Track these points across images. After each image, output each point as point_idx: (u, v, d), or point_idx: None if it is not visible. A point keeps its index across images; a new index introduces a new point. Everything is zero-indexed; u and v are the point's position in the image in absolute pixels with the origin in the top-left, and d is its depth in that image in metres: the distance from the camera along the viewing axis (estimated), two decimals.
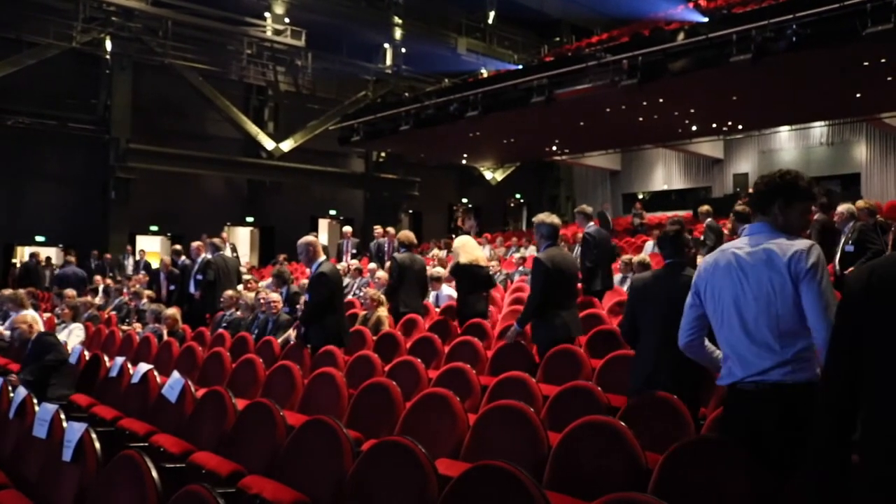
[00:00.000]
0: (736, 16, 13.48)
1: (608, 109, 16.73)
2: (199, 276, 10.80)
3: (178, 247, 12.07)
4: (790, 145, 21.86)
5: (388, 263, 10.15)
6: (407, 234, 8.80)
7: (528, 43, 27.17)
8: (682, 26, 14.85)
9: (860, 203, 8.69)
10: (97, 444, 3.19)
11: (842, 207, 8.35)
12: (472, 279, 7.42)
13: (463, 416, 4.09)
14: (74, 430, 3.24)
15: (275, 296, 8.13)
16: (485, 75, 22.49)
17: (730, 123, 19.21)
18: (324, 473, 3.34)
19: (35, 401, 4.05)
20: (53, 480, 3.33)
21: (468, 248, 7.49)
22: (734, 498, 2.88)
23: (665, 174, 25.02)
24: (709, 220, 10.42)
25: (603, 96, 15.35)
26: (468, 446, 3.92)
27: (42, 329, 8.87)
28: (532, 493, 2.56)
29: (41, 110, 19.77)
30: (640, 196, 25.64)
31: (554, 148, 22.75)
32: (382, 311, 8.05)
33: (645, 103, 16.12)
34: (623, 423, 3.41)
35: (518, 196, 28.87)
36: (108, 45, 20.45)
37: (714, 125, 19.35)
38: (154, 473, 2.70)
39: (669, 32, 14.63)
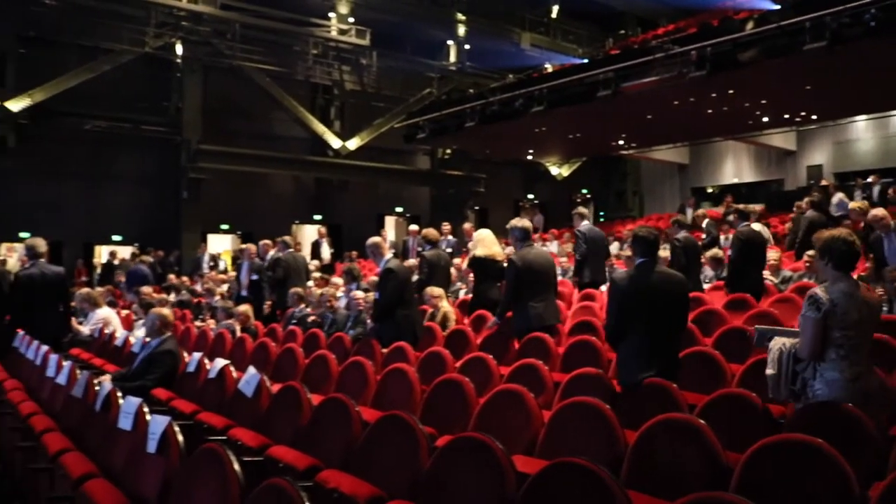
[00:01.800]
0: (809, 2, 13.08)
1: (676, 102, 16.44)
2: (254, 277, 11.00)
3: (244, 246, 12.21)
4: (867, 135, 21.12)
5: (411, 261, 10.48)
6: (432, 232, 9.46)
7: (593, 36, 26.88)
8: (751, 15, 14.49)
9: None
10: (180, 437, 3.26)
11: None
12: (486, 271, 7.86)
13: (537, 413, 4.06)
14: (158, 423, 3.32)
15: (359, 293, 8.19)
16: (549, 70, 22.33)
17: (803, 114, 18.66)
18: (400, 469, 3.36)
19: (119, 394, 4.17)
20: (138, 471, 3.42)
21: (486, 243, 7.91)
22: (822, 501, 2.80)
23: (735, 167, 24.46)
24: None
25: (670, 89, 15.09)
26: (543, 443, 3.89)
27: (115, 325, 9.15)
28: (613, 492, 2.52)
29: (116, 114, 20.36)
30: (710, 190, 25.15)
31: (620, 142, 22.46)
32: (447, 307, 8.08)
33: (714, 95, 15.78)
34: (702, 421, 3.35)
35: (584, 191, 28.60)
36: (179, 49, 20.94)
37: (786, 116, 18.82)
38: (236, 466, 2.74)
39: (739, 22, 14.29)
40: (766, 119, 18.76)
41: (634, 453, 3.45)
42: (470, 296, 8.72)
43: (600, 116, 17.97)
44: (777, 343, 3.95)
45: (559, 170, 27.56)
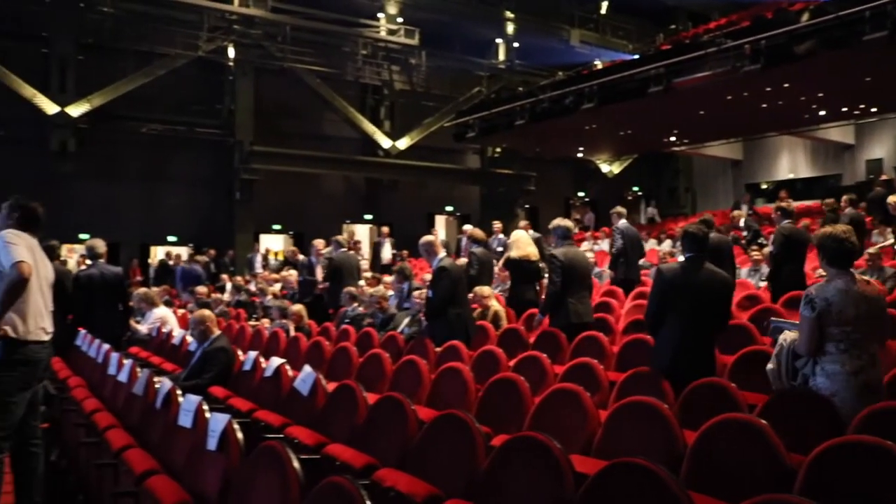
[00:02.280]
0: None
1: (729, 97, 16.18)
2: (302, 279, 11.09)
3: (294, 248, 12.31)
4: None
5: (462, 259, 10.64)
6: (478, 231, 9.72)
7: (643, 32, 26.58)
8: (807, 6, 14.19)
9: None
10: (239, 435, 3.29)
11: None
12: (522, 272, 8.08)
13: (594, 412, 4.03)
14: (218, 421, 3.36)
15: (419, 291, 8.22)
16: (599, 67, 22.16)
17: (862, 107, 18.23)
18: (456, 468, 3.35)
19: (179, 392, 4.24)
20: (199, 468, 3.47)
21: (520, 244, 8.17)
22: None
23: (790, 162, 23.98)
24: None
25: (724, 84, 14.86)
26: (600, 443, 3.86)
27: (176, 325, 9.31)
28: (675, 492, 2.49)
29: (171, 117, 20.76)
30: (764, 186, 24.71)
31: (672, 138, 22.18)
32: (496, 305, 8.08)
33: (769, 89, 15.48)
34: (764, 421, 3.28)
35: (636, 189, 28.31)
36: (231, 52, 21.27)
37: (844, 109, 18.40)
38: (296, 464, 2.76)
39: (794, 13, 14.01)
40: (822, 112, 18.35)
41: (694, 453, 3.40)
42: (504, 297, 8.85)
43: (652, 113, 17.77)
44: (783, 338, 4.10)
45: (610, 167, 27.33)
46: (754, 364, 4.93)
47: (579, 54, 25.50)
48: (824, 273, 4.18)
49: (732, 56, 13.99)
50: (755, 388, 4.50)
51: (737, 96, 15.99)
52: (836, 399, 3.74)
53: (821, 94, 16.33)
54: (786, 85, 15.13)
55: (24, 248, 4.38)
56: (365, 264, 15.00)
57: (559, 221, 7.29)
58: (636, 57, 19.87)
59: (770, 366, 4.11)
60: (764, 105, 16.86)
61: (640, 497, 2.59)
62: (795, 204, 14.31)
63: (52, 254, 8.23)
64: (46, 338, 4.61)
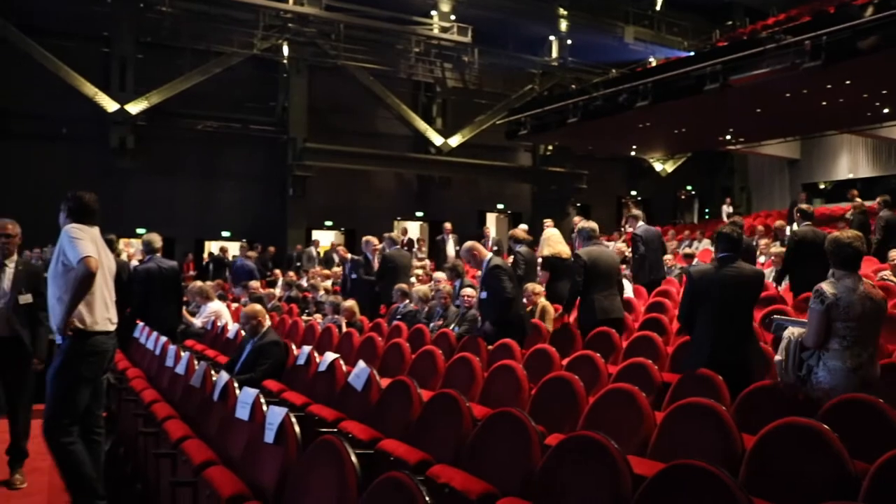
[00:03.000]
0: None
1: (788, 94, 15.84)
2: (354, 276, 11.12)
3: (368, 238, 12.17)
4: None
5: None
6: (519, 231, 9.85)
7: (699, 28, 26.17)
8: (870, 0, 13.81)
9: None
10: (297, 428, 3.32)
11: None
12: (554, 269, 8.31)
13: (649, 413, 3.98)
14: (276, 414, 3.40)
15: (468, 290, 8.22)
16: (653, 64, 21.90)
17: None
18: (511, 466, 3.34)
19: (236, 385, 4.29)
20: (256, 460, 3.51)
21: (552, 242, 8.56)
22: None
23: (850, 162, 23.38)
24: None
25: (782, 81, 14.54)
26: (655, 444, 3.81)
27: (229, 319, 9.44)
28: (737, 497, 2.44)
29: (226, 114, 21.12)
30: (822, 186, 24.17)
31: (728, 137, 21.81)
32: (544, 302, 8.05)
33: (829, 86, 15.11)
34: (827, 427, 3.20)
35: (689, 188, 27.93)
36: (286, 50, 21.54)
37: None
38: (354, 458, 2.78)
39: (857, 7, 13.61)
40: (886, 110, 17.83)
41: (752, 458, 3.33)
42: None
43: (707, 111, 17.50)
44: (789, 332, 4.37)
45: (663, 165, 27.00)
46: None
47: (633, 51, 25.23)
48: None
49: (792, 52, 13.68)
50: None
51: (796, 94, 15.65)
52: (835, 393, 3.95)
53: (884, 92, 15.86)
54: (847, 82, 14.75)
55: (88, 241, 4.51)
56: (416, 262, 15.04)
57: (583, 223, 7.64)
58: (692, 54, 19.55)
59: (778, 357, 4.35)
60: (824, 103, 16.47)
61: (701, 500, 2.55)
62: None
63: (111, 248, 8.40)
64: (112, 328, 4.77)
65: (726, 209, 21.03)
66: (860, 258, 4.25)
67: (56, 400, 4.54)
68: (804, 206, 9.72)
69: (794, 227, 9.63)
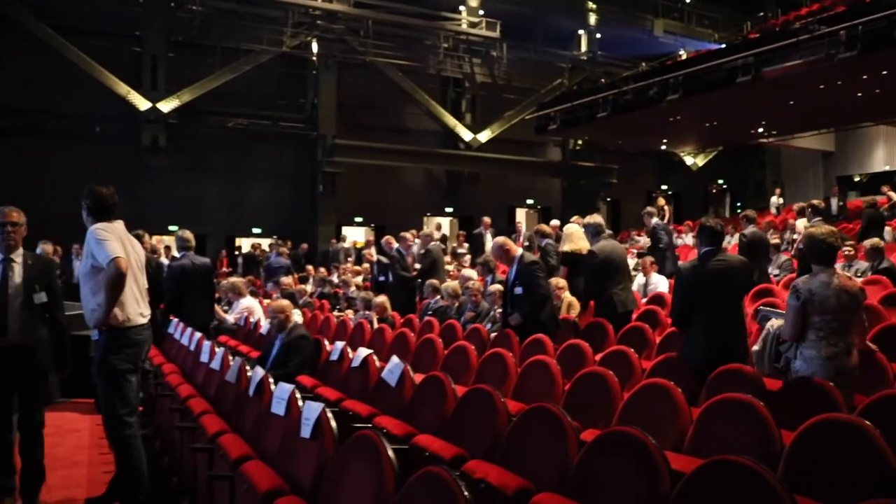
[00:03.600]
0: None
1: (822, 86, 15.61)
2: (382, 278, 11.15)
3: (405, 234, 12.10)
4: None
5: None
6: (544, 227, 10.16)
7: (730, 20, 25.88)
8: None
9: None
10: (333, 423, 3.34)
11: None
12: (575, 265, 8.40)
13: (685, 409, 3.95)
14: (312, 409, 3.41)
15: (499, 287, 8.22)
16: (684, 57, 21.70)
17: None
18: (547, 461, 3.32)
19: (271, 380, 4.32)
20: (293, 454, 3.53)
21: (573, 238, 8.59)
22: None
23: (887, 154, 23.02)
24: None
25: (816, 72, 14.33)
26: (692, 440, 3.78)
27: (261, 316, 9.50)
28: (778, 493, 2.41)
29: (256, 112, 21.26)
30: (857, 178, 23.82)
31: (760, 129, 21.54)
32: (569, 297, 8.05)
33: (865, 77, 14.87)
34: (869, 423, 3.16)
35: (720, 182, 27.66)
36: (315, 47, 21.63)
37: None
38: (391, 454, 2.78)
39: None
40: None
41: (792, 454, 3.29)
42: None
43: (739, 103, 17.29)
44: (769, 324, 4.62)
45: (694, 159, 26.77)
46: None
47: (663, 44, 25.03)
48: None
49: (826, 43, 13.47)
50: (855, 388, 4.36)
51: (830, 85, 15.42)
52: None
53: None
54: (884, 72, 14.50)
55: (115, 240, 4.61)
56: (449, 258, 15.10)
57: (589, 218, 7.95)
58: (723, 46, 19.37)
59: (756, 348, 4.63)
60: (859, 94, 16.23)
61: (741, 497, 2.52)
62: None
63: (139, 243, 8.50)
64: (144, 321, 4.87)
65: (776, 200, 20.59)
66: (834, 253, 4.45)
67: (107, 394, 4.66)
68: (816, 201, 9.83)
69: (804, 222, 9.73)
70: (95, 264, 4.58)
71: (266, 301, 12.12)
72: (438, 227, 17.40)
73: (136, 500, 4.70)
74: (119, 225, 4.78)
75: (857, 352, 4.37)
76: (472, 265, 12.88)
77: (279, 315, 6.55)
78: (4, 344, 4.77)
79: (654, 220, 10.70)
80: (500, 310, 7.71)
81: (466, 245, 16.54)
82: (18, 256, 4.91)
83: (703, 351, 4.96)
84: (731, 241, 15.24)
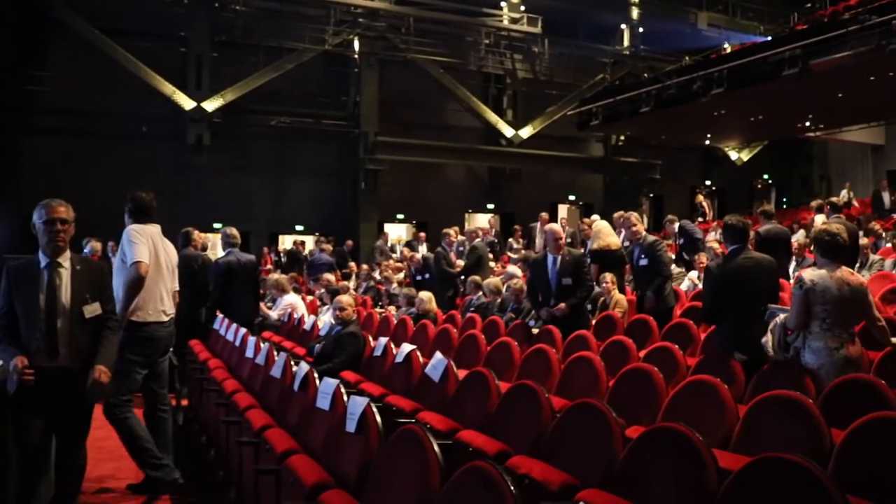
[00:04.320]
0: None
1: (872, 78, 15.30)
2: (419, 277, 11.20)
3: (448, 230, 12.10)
4: None
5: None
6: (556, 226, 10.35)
7: (775, 12, 25.43)
8: None
9: None
10: (378, 418, 3.36)
11: None
12: (605, 261, 8.42)
13: (732, 406, 3.90)
14: (357, 404, 3.44)
15: (514, 280, 8.23)
16: (728, 50, 21.39)
17: None
18: (592, 458, 3.30)
19: (316, 375, 4.36)
20: (338, 449, 3.55)
21: (602, 235, 8.64)
22: None
23: None
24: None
25: (866, 63, 14.09)
26: (738, 438, 3.73)
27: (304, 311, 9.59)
28: (830, 492, 2.36)
29: (298, 110, 21.48)
30: None
31: (807, 123, 21.20)
32: (619, 295, 8.01)
33: None
34: None
35: (766, 177, 27.23)
36: (356, 45, 21.77)
37: None
38: (436, 448, 2.79)
39: None
40: None
41: (841, 453, 3.22)
42: None
43: (785, 97, 17.05)
44: (777, 318, 4.75)
45: (739, 154, 26.40)
46: None
47: (707, 38, 24.68)
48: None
49: (877, 33, 13.22)
50: None
51: (881, 77, 15.10)
52: (822, 372, 4.38)
53: None
54: None
55: (144, 245, 5.07)
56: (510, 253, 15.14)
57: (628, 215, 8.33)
58: (768, 39, 19.07)
59: (764, 339, 4.71)
60: None
61: (791, 495, 2.48)
62: None
63: (188, 239, 8.72)
64: (166, 319, 5.28)
65: (890, 197, 19.36)
66: (839, 249, 4.57)
67: (114, 380, 4.74)
68: (835, 199, 9.78)
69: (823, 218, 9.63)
70: (124, 260, 5.05)
71: (309, 298, 12.24)
72: (491, 225, 17.45)
73: (174, 485, 5.08)
74: (153, 228, 5.24)
75: (859, 343, 4.53)
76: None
77: (339, 309, 6.65)
78: (50, 367, 3.93)
79: (676, 225, 11.41)
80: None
81: (522, 241, 16.47)
82: (66, 261, 4.06)
83: (723, 346, 5.15)
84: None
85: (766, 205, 10.48)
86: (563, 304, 6.73)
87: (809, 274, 4.54)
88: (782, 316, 4.69)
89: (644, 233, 7.78)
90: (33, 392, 3.86)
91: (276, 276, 12.40)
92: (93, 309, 4.07)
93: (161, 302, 5.16)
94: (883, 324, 4.68)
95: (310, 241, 18.82)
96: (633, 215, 7.90)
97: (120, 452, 5.78)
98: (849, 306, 4.46)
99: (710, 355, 5.31)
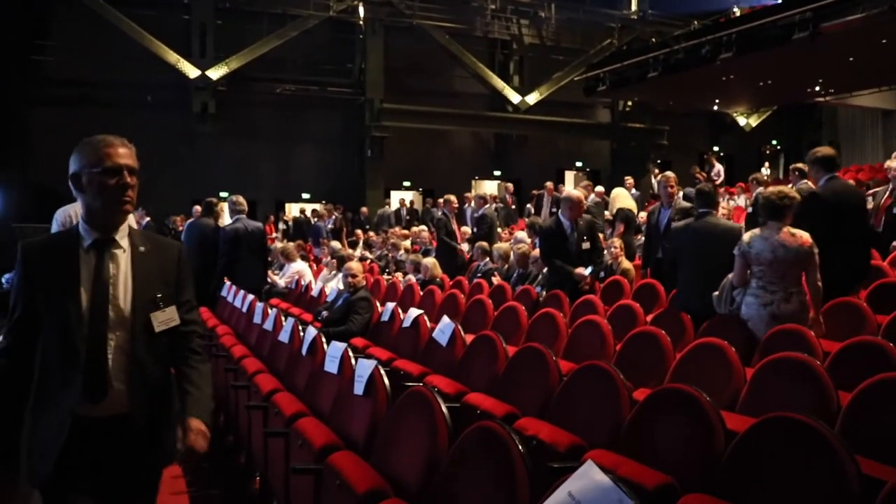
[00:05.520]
0: None
1: (884, 41, 15.04)
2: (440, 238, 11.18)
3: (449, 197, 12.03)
4: None
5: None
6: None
7: None
8: None
9: None
10: (386, 380, 3.37)
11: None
12: (628, 222, 8.87)
13: (739, 368, 3.91)
14: (365, 367, 3.45)
15: (521, 244, 8.24)
16: (738, 14, 21.11)
17: None
18: (599, 419, 3.32)
19: (324, 340, 4.37)
20: (346, 411, 3.57)
21: (621, 198, 9.11)
22: None
23: None
24: None
25: (878, 26, 13.81)
26: (746, 399, 3.74)
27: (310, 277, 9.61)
28: (837, 451, 2.37)
29: (303, 77, 21.36)
30: None
31: (817, 88, 20.93)
32: (627, 263, 8.01)
33: None
34: None
35: (774, 142, 27.03)
36: (361, 11, 21.55)
37: None
38: (444, 409, 2.80)
39: None
40: None
41: (849, 414, 3.24)
42: None
43: (795, 61, 16.80)
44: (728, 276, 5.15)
45: (747, 120, 26.17)
46: None
47: (716, 1, 24.32)
48: None
49: None
50: None
51: (893, 40, 14.84)
52: (750, 324, 4.83)
53: None
54: None
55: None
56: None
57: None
58: (778, 1, 18.79)
59: (715, 293, 5.15)
60: None
61: (798, 455, 2.49)
62: None
63: (210, 210, 8.83)
64: None
65: (717, 169, 19.30)
66: (781, 211, 4.80)
67: None
68: (801, 165, 8.66)
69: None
70: None
71: (315, 265, 12.27)
72: (507, 190, 17.45)
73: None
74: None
75: (801, 300, 4.80)
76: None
77: (351, 276, 6.70)
78: (97, 415, 2.45)
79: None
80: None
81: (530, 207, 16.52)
82: (124, 237, 2.56)
83: (683, 302, 5.58)
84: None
85: (761, 172, 10.30)
86: (586, 275, 6.79)
87: (748, 236, 4.89)
88: (731, 275, 5.08)
89: (678, 197, 7.76)
90: (70, 461, 2.42)
91: (282, 243, 12.42)
92: (167, 317, 2.55)
93: None
94: (819, 286, 4.83)
95: (317, 209, 18.85)
96: (673, 177, 7.76)
97: None
98: (785, 266, 4.76)
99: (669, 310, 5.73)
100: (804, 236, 4.75)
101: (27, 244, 2.50)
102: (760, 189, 8.85)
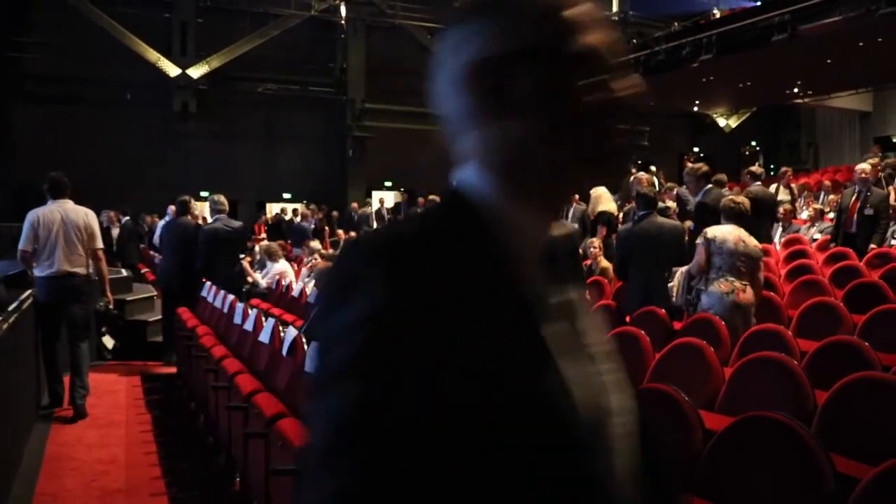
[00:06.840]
0: None
1: (861, 43, 15.22)
2: None
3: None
4: None
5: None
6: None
7: None
8: None
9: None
10: None
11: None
12: (609, 224, 9.01)
13: (718, 367, 3.95)
14: None
15: None
16: (718, 16, 21.26)
17: None
18: None
19: (304, 340, 4.36)
20: None
21: (603, 200, 9.15)
22: None
23: None
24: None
25: (856, 29, 13.97)
26: (724, 399, 3.77)
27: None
28: (812, 449, 2.40)
29: (285, 77, 21.28)
30: None
31: (795, 90, 21.14)
32: (605, 262, 8.04)
33: None
34: None
35: (753, 143, 27.23)
36: (343, 10, 21.52)
37: None
38: None
39: None
40: None
41: (826, 412, 3.28)
42: None
43: (774, 63, 16.95)
44: (682, 269, 5.47)
45: (727, 121, 26.36)
46: (887, 322, 4.72)
47: (696, 3, 24.45)
48: None
49: None
50: (890, 348, 4.31)
51: (870, 43, 15.03)
52: (713, 312, 5.02)
53: None
54: None
55: (29, 233, 5.97)
56: None
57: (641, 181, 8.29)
58: (758, 4, 18.94)
59: (671, 284, 5.43)
60: None
61: (774, 453, 2.52)
62: None
63: (185, 208, 8.77)
64: (63, 274, 6.06)
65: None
66: (741, 215, 5.23)
67: None
68: (753, 168, 10.10)
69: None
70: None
71: (297, 266, 12.22)
72: None
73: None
74: (60, 206, 6.09)
75: (753, 292, 5.11)
76: None
77: (322, 277, 6.67)
78: None
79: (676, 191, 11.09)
80: None
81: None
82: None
83: (635, 301, 5.79)
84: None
85: (756, 166, 10.49)
86: None
87: (712, 230, 5.22)
88: (685, 267, 5.36)
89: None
90: None
91: (266, 243, 12.38)
92: None
93: (59, 262, 6.04)
94: (761, 285, 5.25)
95: (295, 209, 18.79)
96: (646, 177, 7.91)
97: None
98: (743, 262, 5.08)
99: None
100: (754, 241, 5.23)
101: None
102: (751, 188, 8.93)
